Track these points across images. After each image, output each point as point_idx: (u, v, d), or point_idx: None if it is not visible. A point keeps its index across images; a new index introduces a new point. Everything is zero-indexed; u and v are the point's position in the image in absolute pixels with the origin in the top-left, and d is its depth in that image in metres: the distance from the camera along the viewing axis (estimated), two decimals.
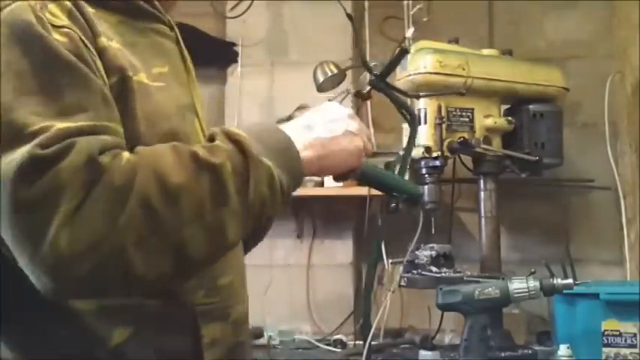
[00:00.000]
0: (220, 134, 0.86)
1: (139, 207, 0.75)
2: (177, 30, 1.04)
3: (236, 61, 2.75)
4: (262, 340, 2.32)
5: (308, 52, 2.65)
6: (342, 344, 2.38)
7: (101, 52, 0.87)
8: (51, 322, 0.87)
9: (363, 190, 2.34)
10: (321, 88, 2.38)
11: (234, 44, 2.76)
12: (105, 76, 0.85)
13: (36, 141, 0.74)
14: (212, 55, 2.70)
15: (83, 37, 0.85)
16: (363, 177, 1.08)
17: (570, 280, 1.80)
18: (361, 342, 2.01)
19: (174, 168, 0.79)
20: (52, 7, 0.85)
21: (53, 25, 0.83)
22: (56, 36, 0.82)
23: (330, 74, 2.38)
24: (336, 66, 2.40)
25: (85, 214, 0.73)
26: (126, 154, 0.79)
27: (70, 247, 0.73)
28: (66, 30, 0.83)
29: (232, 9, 2.72)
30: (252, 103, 2.73)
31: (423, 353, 2.01)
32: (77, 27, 0.85)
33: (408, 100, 1.53)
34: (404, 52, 1.10)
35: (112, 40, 0.89)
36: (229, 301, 1.00)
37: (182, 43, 1.04)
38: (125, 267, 0.76)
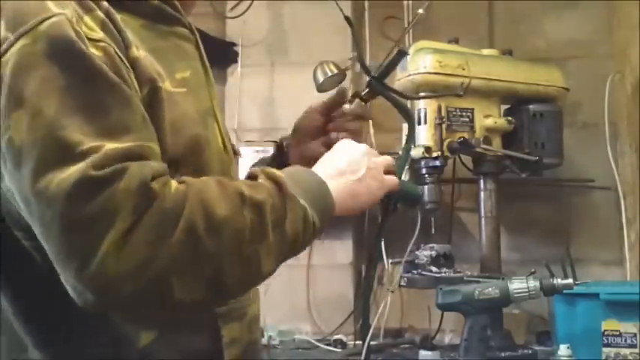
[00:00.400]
0: (261, 174, 0.90)
1: (185, 234, 0.78)
2: (196, 32, 1.04)
3: (236, 61, 2.75)
4: (262, 340, 2.32)
5: (308, 52, 2.65)
6: (342, 344, 2.39)
7: (133, 63, 0.87)
8: (80, 324, 0.89)
9: None
10: (321, 88, 2.38)
11: (234, 44, 2.76)
12: (138, 89, 0.86)
13: (88, 161, 0.75)
14: (212, 55, 2.69)
15: (117, 50, 0.85)
16: None
17: (570, 280, 1.80)
18: (361, 342, 2.01)
19: (220, 200, 0.82)
20: (87, 19, 0.84)
21: (90, 39, 0.83)
22: (93, 50, 0.82)
23: (330, 74, 2.37)
24: (336, 66, 2.40)
25: (135, 238, 0.75)
26: (174, 183, 0.81)
27: (117, 268, 0.75)
28: (103, 44, 0.83)
29: (232, 9, 2.72)
30: (252, 103, 2.73)
31: (423, 353, 2.01)
32: (111, 39, 0.85)
33: (408, 103, 1.54)
34: (402, 53, 1.10)
35: (139, 48, 0.89)
36: (245, 300, 1.03)
37: (201, 46, 1.05)
38: (165, 291, 0.78)
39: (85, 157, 0.76)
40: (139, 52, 0.89)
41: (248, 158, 1.38)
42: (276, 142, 1.26)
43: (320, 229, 0.93)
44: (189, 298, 0.80)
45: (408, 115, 1.18)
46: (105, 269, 0.75)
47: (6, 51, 0.81)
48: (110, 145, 0.77)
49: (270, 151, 1.31)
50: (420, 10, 1.27)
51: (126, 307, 0.80)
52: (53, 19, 0.81)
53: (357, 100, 1.18)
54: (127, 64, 0.86)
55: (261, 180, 0.89)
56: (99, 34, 0.84)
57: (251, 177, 0.91)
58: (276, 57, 2.74)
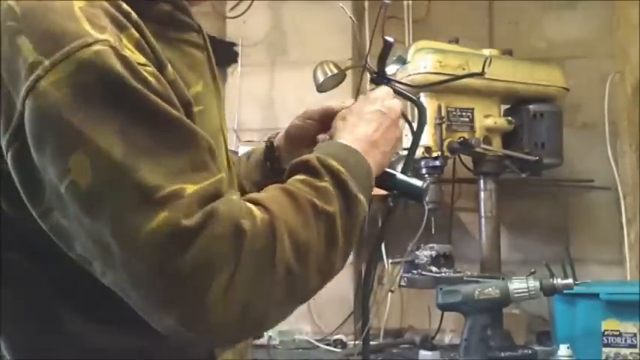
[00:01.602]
0: (321, 169, 0.88)
1: (283, 272, 0.78)
2: (204, 33, 0.95)
3: (236, 61, 2.75)
4: (262, 340, 2.32)
5: (308, 52, 2.65)
6: (342, 344, 2.39)
7: (172, 85, 0.79)
8: (84, 336, 0.85)
9: None
10: (321, 88, 2.38)
11: (234, 44, 2.76)
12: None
13: (176, 209, 0.72)
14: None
15: (157, 72, 0.78)
16: None
17: (570, 280, 1.80)
18: (361, 342, 2.01)
19: (299, 223, 0.81)
20: (125, 40, 0.76)
21: (139, 64, 0.75)
22: (150, 78, 0.75)
23: (330, 74, 2.38)
24: (336, 66, 2.40)
25: (238, 284, 0.74)
26: (257, 212, 0.78)
27: (225, 314, 0.75)
28: (150, 69, 0.76)
29: (232, 9, 2.72)
30: (252, 103, 2.73)
31: (423, 353, 2.01)
32: (148, 60, 0.78)
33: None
34: (388, 43, 1.10)
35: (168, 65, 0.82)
36: None
37: (210, 50, 0.97)
38: (264, 322, 0.82)
39: (169, 202, 0.72)
40: (171, 70, 0.82)
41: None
42: (266, 141, 1.22)
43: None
44: (280, 319, 0.84)
45: (418, 106, 1.17)
46: (212, 317, 0.74)
47: (41, 77, 0.72)
48: (190, 188, 0.74)
49: None
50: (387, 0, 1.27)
51: (229, 342, 0.86)
52: (97, 48, 0.73)
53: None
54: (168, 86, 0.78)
55: (326, 181, 0.87)
56: (140, 57, 0.76)
57: (310, 169, 0.88)
58: (276, 57, 2.74)
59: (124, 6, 0.79)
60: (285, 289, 0.79)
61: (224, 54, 2.73)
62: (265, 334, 2.32)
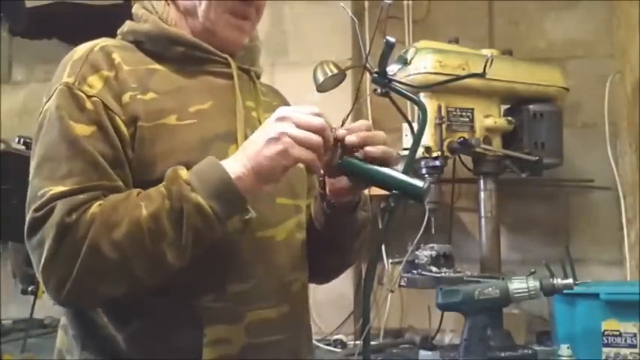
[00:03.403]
0: (166, 178, 1.04)
1: (91, 253, 1.00)
2: (233, 65, 1.20)
3: None
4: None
5: (308, 52, 2.65)
6: (342, 344, 2.39)
7: (124, 107, 1.09)
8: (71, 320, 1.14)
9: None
10: (321, 88, 2.38)
11: None
12: (124, 128, 1.08)
13: (36, 203, 1.03)
14: None
15: (110, 100, 1.08)
16: (360, 175, 1.08)
17: (570, 280, 1.80)
18: (361, 342, 2.01)
19: (121, 221, 1.01)
20: (91, 79, 1.09)
21: (87, 96, 1.08)
22: (88, 105, 1.07)
23: (330, 74, 2.38)
24: (336, 66, 2.40)
25: (56, 260, 1.01)
26: (93, 209, 1.02)
27: (51, 280, 1.03)
28: (95, 99, 1.08)
29: None
30: None
31: (423, 353, 2.01)
32: (108, 92, 1.09)
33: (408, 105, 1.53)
34: (389, 44, 1.10)
35: (146, 93, 1.11)
36: (245, 305, 1.11)
37: (236, 78, 1.19)
38: (92, 290, 1.03)
39: (37, 200, 1.03)
40: (143, 96, 1.10)
41: None
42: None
43: (226, 210, 1.03)
44: (115, 292, 1.03)
45: (419, 105, 1.16)
46: (45, 280, 1.03)
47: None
48: (55, 190, 1.03)
49: None
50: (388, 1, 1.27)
51: (70, 302, 1.07)
52: (59, 88, 1.09)
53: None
54: (118, 109, 1.08)
55: (162, 185, 1.03)
56: (96, 90, 1.09)
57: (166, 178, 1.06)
58: (276, 57, 2.74)
59: (114, 55, 1.12)
60: (100, 269, 1.00)
61: None
62: None
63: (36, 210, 1.03)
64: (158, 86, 1.12)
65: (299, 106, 1.07)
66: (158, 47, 1.17)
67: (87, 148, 1.06)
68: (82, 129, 1.06)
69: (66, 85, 1.08)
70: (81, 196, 1.03)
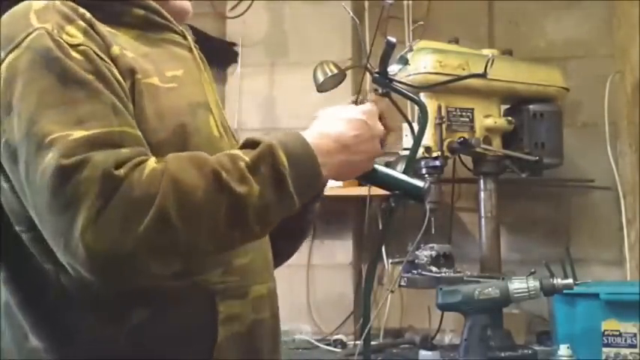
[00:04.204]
0: (247, 144, 0.95)
1: (157, 221, 0.85)
2: (190, 38, 1.13)
3: (236, 62, 2.75)
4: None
5: (308, 52, 2.65)
6: (342, 344, 2.39)
7: (114, 60, 0.97)
8: (70, 308, 0.96)
9: (363, 190, 2.34)
10: (321, 88, 2.38)
11: (234, 44, 2.76)
12: (122, 80, 0.95)
13: (59, 150, 0.85)
14: (212, 55, 2.70)
15: (98, 51, 0.95)
16: (360, 175, 1.08)
17: (570, 280, 1.80)
18: (361, 342, 2.02)
19: (196, 187, 0.87)
20: (69, 28, 0.95)
21: (71, 45, 0.93)
22: (74, 54, 0.93)
23: (330, 74, 2.38)
24: (336, 66, 2.40)
25: (104, 221, 0.84)
26: (151, 164, 0.88)
27: (93, 246, 0.84)
28: (82, 47, 0.94)
29: (232, 9, 2.72)
30: (252, 103, 2.73)
31: (423, 353, 2.01)
32: (92, 42, 0.95)
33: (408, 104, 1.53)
34: (390, 44, 1.10)
35: (126, 49, 0.99)
36: (247, 280, 1.05)
37: (195, 50, 1.13)
38: (141, 266, 0.87)
39: (54, 145, 0.85)
40: (124, 51, 0.99)
41: None
42: None
43: (304, 201, 0.97)
44: (167, 271, 0.90)
45: (419, 106, 1.16)
46: (83, 249, 0.84)
47: None
48: (77, 134, 0.86)
49: None
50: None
51: (109, 279, 0.88)
52: (34, 33, 0.93)
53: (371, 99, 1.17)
54: (109, 60, 0.96)
55: (242, 160, 0.92)
56: (80, 39, 0.94)
57: (242, 145, 0.97)
58: (276, 57, 2.74)
59: (80, 10, 0.97)
60: (161, 243, 0.86)
61: (224, 54, 2.73)
62: None
63: (64, 156, 0.84)
64: (130, 48, 1.01)
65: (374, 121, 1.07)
66: (115, 8, 1.04)
67: (102, 89, 0.92)
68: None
69: (44, 29, 0.93)
70: (123, 150, 0.88)
